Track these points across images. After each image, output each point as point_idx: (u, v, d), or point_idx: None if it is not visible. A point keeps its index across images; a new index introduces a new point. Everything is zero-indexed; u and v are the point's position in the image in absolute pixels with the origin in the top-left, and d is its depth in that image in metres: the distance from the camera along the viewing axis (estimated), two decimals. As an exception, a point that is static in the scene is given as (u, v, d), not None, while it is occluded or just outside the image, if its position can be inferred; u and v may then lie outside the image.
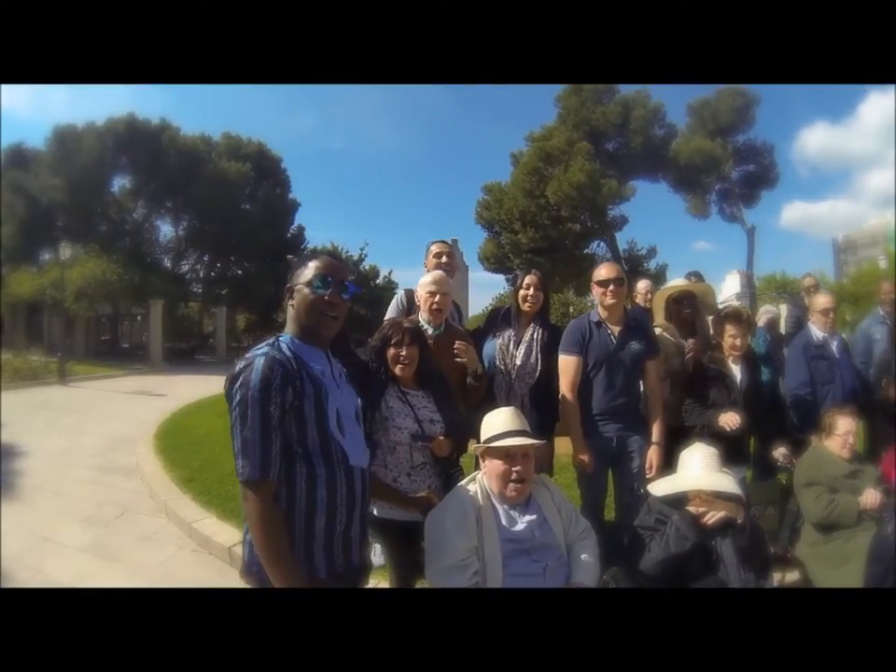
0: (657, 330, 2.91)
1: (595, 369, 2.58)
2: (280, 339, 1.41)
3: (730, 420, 2.51)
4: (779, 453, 2.83)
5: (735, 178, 21.42)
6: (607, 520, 2.72)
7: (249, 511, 1.28)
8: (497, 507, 1.80)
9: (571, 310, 14.76)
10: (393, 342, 2.04)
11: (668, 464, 2.43)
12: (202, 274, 23.99)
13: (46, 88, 47.50)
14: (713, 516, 1.94)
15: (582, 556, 1.82)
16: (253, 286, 21.30)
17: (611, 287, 2.59)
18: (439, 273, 2.64)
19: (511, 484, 1.78)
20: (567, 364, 2.58)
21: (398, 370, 2.05)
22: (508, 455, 1.78)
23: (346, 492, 1.38)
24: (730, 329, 2.77)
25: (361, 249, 23.26)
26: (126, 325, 26.58)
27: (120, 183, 21.82)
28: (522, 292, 2.71)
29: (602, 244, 20.86)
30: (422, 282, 2.52)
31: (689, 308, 3.01)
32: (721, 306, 3.53)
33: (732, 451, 2.49)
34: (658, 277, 18.95)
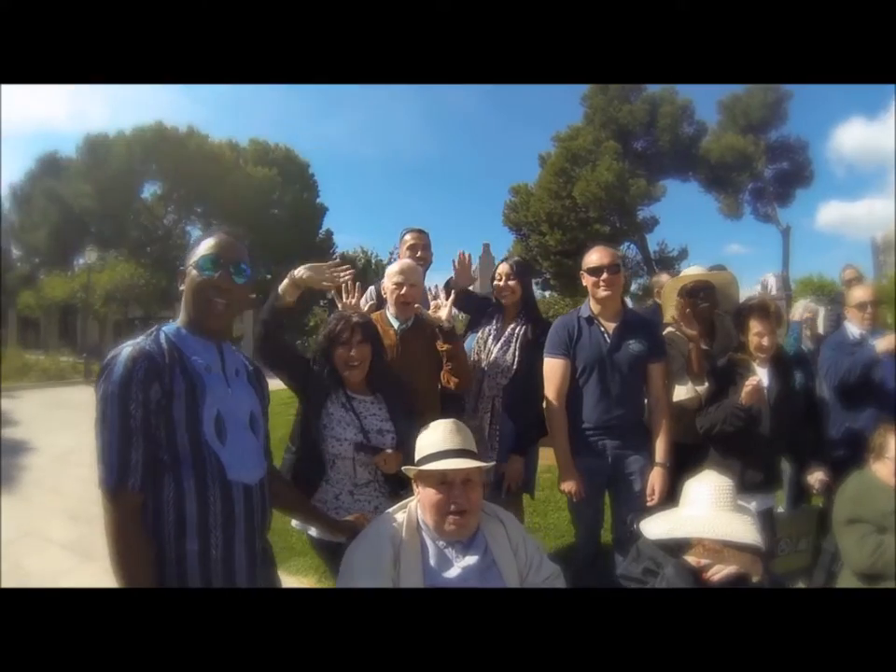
0: (669, 329, 2.47)
1: (586, 374, 2.17)
2: (162, 328, 1.23)
3: (753, 388, 2.05)
4: (815, 477, 2.31)
5: (769, 177, 20.79)
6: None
7: (105, 523, 1.09)
8: (429, 544, 1.41)
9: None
10: (342, 340, 1.76)
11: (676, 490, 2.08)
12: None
13: (83, 98, 49.23)
14: (719, 571, 1.45)
15: None
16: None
17: (605, 275, 2.16)
18: (407, 261, 2.42)
19: (450, 517, 1.38)
20: (551, 368, 2.20)
21: (346, 372, 1.78)
22: (443, 481, 1.38)
23: (222, 510, 1.17)
24: (755, 326, 2.23)
25: (391, 253, 23.34)
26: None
27: (151, 189, 22.38)
28: (495, 283, 2.44)
29: (632, 245, 20.45)
30: (388, 272, 2.30)
31: (706, 301, 2.46)
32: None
33: (758, 472, 2.17)
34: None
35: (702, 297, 2.45)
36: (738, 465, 2.14)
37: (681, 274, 2.64)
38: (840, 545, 2.06)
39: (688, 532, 1.49)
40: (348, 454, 1.74)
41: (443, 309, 2.17)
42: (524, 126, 48.19)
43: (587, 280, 2.23)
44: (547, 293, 20.19)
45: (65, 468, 5.25)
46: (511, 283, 2.39)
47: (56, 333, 21.40)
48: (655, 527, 1.57)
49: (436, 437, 1.45)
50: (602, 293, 2.18)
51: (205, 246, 1.26)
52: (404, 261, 2.40)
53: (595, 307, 2.24)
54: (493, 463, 1.61)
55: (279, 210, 22.75)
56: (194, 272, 1.24)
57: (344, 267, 1.94)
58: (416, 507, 1.46)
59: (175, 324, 1.26)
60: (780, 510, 3.19)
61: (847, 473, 2.18)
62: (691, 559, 1.47)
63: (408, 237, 2.72)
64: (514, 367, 2.33)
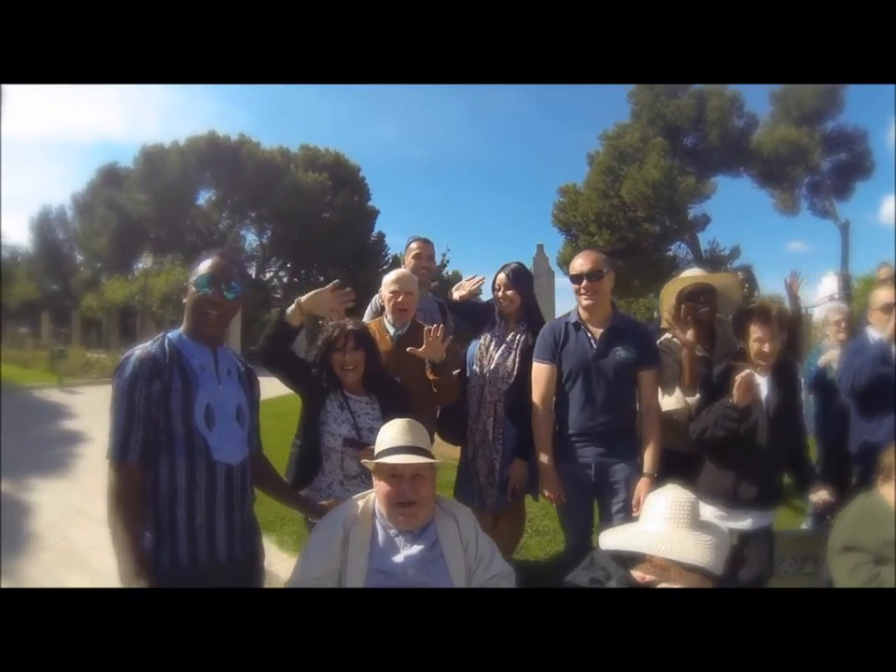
0: (667, 335, 2.39)
1: (571, 380, 2.16)
2: (167, 334, 1.49)
3: (743, 380, 1.94)
4: (819, 496, 2.15)
5: (826, 169, 19.89)
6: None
7: (108, 488, 1.35)
8: (380, 530, 1.54)
9: (655, 314, 14.17)
10: (337, 346, 1.94)
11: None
12: (285, 281, 24.90)
13: (139, 110, 51.46)
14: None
15: None
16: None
17: (585, 282, 2.13)
18: (403, 270, 2.50)
19: (400, 508, 1.50)
20: (537, 373, 2.22)
21: (343, 375, 1.95)
22: (394, 474, 1.50)
23: (206, 485, 1.42)
24: (755, 332, 2.09)
25: (443, 255, 23.52)
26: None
27: (206, 196, 23.06)
28: (494, 292, 2.47)
29: (683, 245, 19.97)
30: (385, 281, 2.39)
31: (706, 305, 2.34)
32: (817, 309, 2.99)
33: (752, 486, 2.05)
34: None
35: (702, 301, 2.36)
36: (732, 477, 2.07)
37: (679, 277, 2.53)
38: (832, 573, 1.87)
39: (637, 546, 1.46)
40: (338, 447, 1.93)
41: (429, 349, 2.15)
42: (573, 125, 47.44)
43: (573, 286, 2.22)
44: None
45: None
46: (509, 293, 2.42)
47: (116, 333, 22.41)
48: (610, 538, 1.56)
49: (390, 434, 1.58)
50: (584, 301, 2.17)
51: (203, 267, 1.50)
52: (400, 271, 2.47)
53: (583, 313, 2.22)
54: (440, 461, 1.65)
55: (331, 214, 22.99)
56: (193, 288, 1.48)
57: (347, 291, 2.04)
58: (374, 497, 1.59)
59: (178, 330, 1.51)
60: (804, 527, 3.04)
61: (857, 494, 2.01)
62: (637, 574, 1.45)
63: (413, 245, 2.81)
64: (514, 372, 2.36)
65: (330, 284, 2.01)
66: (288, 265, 24.82)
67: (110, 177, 23.06)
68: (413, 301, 2.39)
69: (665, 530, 1.46)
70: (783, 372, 2.15)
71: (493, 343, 2.45)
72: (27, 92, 47.60)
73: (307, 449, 1.98)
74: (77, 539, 3.44)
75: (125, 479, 1.35)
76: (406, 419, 1.64)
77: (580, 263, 2.18)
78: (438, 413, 2.53)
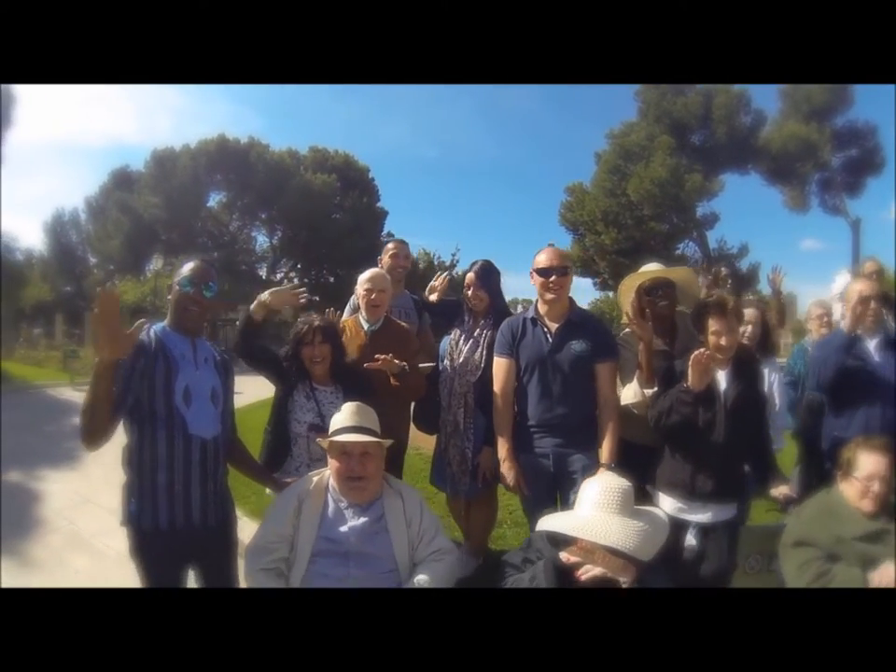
0: (628, 329, 2.39)
1: (528, 373, 2.22)
2: (153, 326, 1.72)
3: (696, 359, 1.94)
4: (780, 492, 2.12)
5: (837, 166, 19.66)
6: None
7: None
8: (331, 502, 1.70)
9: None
10: (306, 341, 2.11)
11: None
12: (295, 281, 25.28)
13: (151, 113, 52.09)
14: (587, 572, 1.45)
15: (417, 577, 1.63)
16: (345, 292, 22.11)
17: (553, 276, 2.18)
18: (375, 270, 2.63)
19: (349, 482, 1.67)
20: (496, 367, 2.30)
21: (311, 367, 2.12)
22: (344, 451, 1.67)
23: (182, 454, 1.63)
24: (712, 325, 2.07)
25: (453, 255, 23.63)
26: (227, 329, 28.71)
27: (216, 198, 23.33)
28: (464, 291, 2.57)
29: (692, 243, 19.89)
30: (360, 279, 2.53)
31: (665, 299, 2.36)
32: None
33: (709, 479, 2.03)
34: (750, 278, 17.80)
35: (661, 295, 2.37)
36: (690, 469, 2.07)
37: (639, 271, 2.53)
38: (782, 568, 1.85)
39: (565, 529, 1.51)
40: (304, 432, 2.09)
41: (387, 363, 2.26)
42: (586, 124, 47.31)
43: (535, 280, 2.25)
44: (608, 293, 19.96)
45: (119, 448, 5.88)
46: (478, 292, 2.52)
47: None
48: (546, 522, 1.61)
49: (341, 416, 1.76)
50: (549, 295, 2.21)
51: (186, 269, 1.73)
52: (373, 270, 2.60)
53: (541, 307, 2.28)
54: (389, 441, 1.77)
55: (340, 215, 23.20)
56: (177, 287, 1.71)
57: (301, 290, 2.25)
58: (329, 474, 1.76)
59: (162, 323, 1.73)
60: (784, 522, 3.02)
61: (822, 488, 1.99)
62: (564, 555, 1.50)
63: (390, 246, 3.00)
64: (482, 365, 2.45)
65: (290, 284, 2.16)
66: (299, 266, 25.02)
67: (122, 180, 23.34)
68: (385, 299, 2.51)
69: (593, 515, 1.51)
70: (743, 366, 2.15)
71: (462, 338, 2.56)
72: (43, 97, 48.46)
73: (277, 435, 2.15)
74: (82, 525, 3.61)
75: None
76: (356, 403, 1.80)
77: (546, 258, 2.24)
78: (413, 404, 2.66)
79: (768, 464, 2.20)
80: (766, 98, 25.75)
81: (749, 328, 2.67)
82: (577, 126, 49.25)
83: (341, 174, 23.50)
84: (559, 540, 1.53)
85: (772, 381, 2.65)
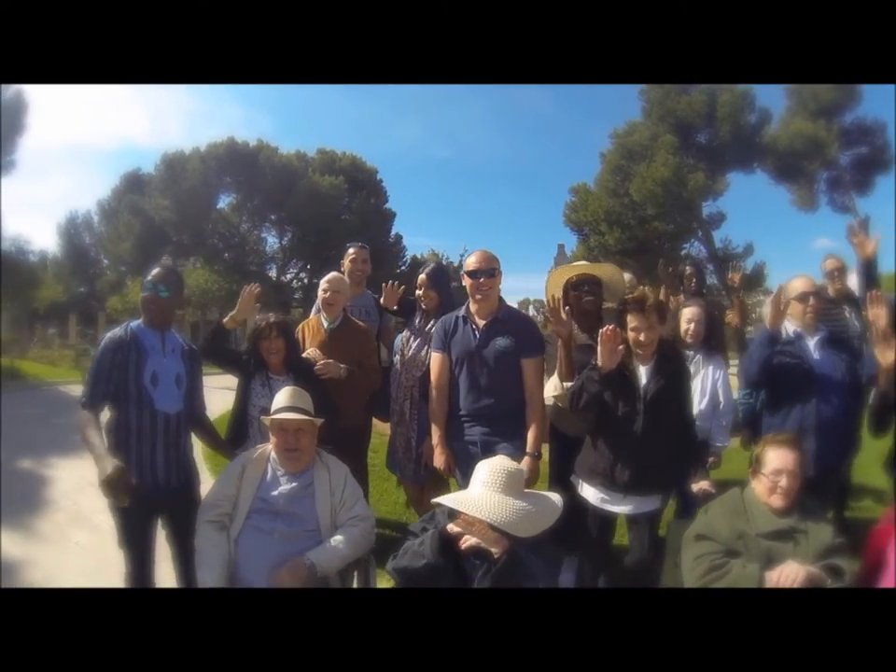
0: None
1: (459, 366, 2.42)
2: (130, 324, 2.15)
3: (606, 336, 2.02)
4: (699, 486, 2.17)
5: (846, 163, 19.43)
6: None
7: (77, 421, 2.01)
8: (270, 470, 2.01)
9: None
10: (263, 336, 2.41)
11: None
12: (305, 282, 25.30)
13: (163, 115, 52.75)
14: (465, 542, 1.61)
15: (332, 539, 1.88)
16: (354, 292, 22.27)
17: (482, 279, 2.36)
18: (333, 273, 2.94)
19: (285, 453, 1.97)
20: (432, 361, 2.51)
21: (268, 358, 2.42)
22: (281, 428, 1.96)
23: (149, 426, 2.05)
24: (632, 321, 2.15)
25: (461, 256, 23.80)
26: (240, 329, 29.02)
27: (227, 200, 23.55)
28: (416, 291, 2.81)
29: (697, 243, 19.77)
30: (321, 282, 2.86)
31: (590, 295, 2.49)
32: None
33: (626, 470, 2.10)
34: (756, 278, 17.68)
35: (586, 290, 2.49)
36: (608, 459, 2.14)
37: (565, 266, 2.60)
38: (682, 562, 1.87)
39: (449, 502, 1.64)
40: (257, 415, 2.33)
41: (326, 370, 2.56)
42: (599, 123, 47.15)
43: (466, 282, 2.41)
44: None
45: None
46: (428, 291, 2.75)
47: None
48: (442, 497, 1.72)
49: (280, 398, 2.05)
50: (478, 295, 2.39)
51: (149, 274, 2.15)
52: (331, 274, 2.94)
53: (472, 306, 2.44)
54: (320, 420, 2.02)
55: (348, 216, 23.34)
56: (141, 290, 2.15)
57: (252, 287, 2.57)
58: (271, 447, 2.05)
59: (138, 321, 2.14)
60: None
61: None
62: (450, 526, 1.65)
63: (351, 251, 3.32)
64: (427, 361, 2.64)
65: (244, 291, 2.49)
66: (309, 266, 25.25)
67: (134, 183, 23.63)
68: (339, 299, 2.81)
69: (478, 492, 1.62)
70: (666, 362, 2.19)
71: (412, 336, 2.79)
72: (56, 100, 49.27)
73: (237, 418, 2.47)
74: (84, 505, 3.96)
75: (90, 415, 2.01)
76: (292, 387, 2.11)
77: (475, 260, 2.41)
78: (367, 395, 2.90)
79: (691, 459, 2.25)
80: (771, 96, 25.47)
81: (693, 325, 2.71)
82: (589, 126, 49.09)
83: (348, 175, 23.62)
84: (455, 514, 1.65)
85: (716, 378, 2.68)
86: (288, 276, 25.43)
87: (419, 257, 25.08)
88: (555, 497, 1.75)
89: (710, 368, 2.68)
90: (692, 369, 2.61)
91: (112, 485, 1.77)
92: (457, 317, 2.48)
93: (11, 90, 13.71)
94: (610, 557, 2.31)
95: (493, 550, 1.56)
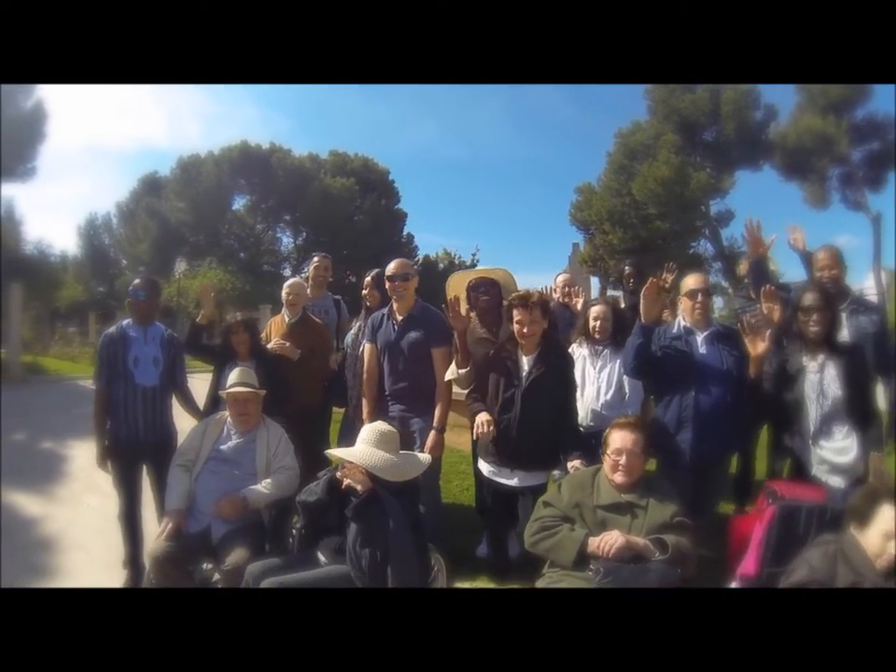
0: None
1: (383, 355, 2.86)
2: (122, 322, 2.87)
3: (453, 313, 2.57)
4: (573, 464, 2.33)
5: (857, 160, 19.15)
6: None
7: (94, 402, 2.82)
8: (226, 430, 2.61)
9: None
10: (232, 331, 3.04)
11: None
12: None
13: (181, 120, 53.75)
14: (344, 481, 2.05)
15: (263, 482, 2.46)
16: (366, 291, 22.57)
17: (396, 282, 2.80)
18: (294, 278, 3.58)
19: (236, 417, 2.57)
20: (364, 350, 2.95)
21: (237, 348, 3.02)
22: (234, 399, 2.57)
23: (130, 396, 2.75)
24: (515, 316, 2.38)
25: (473, 255, 24.24)
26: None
27: (241, 201, 24.23)
28: (363, 292, 3.26)
29: (704, 241, 19.71)
30: (284, 286, 3.41)
31: (486, 296, 2.89)
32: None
33: (509, 447, 2.38)
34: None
35: (482, 291, 2.92)
36: (496, 438, 2.40)
37: (466, 272, 3.02)
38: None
39: (336, 452, 2.21)
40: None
41: (282, 351, 3.15)
42: (612, 122, 46.83)
43: (387, 285, 2.85)
44: (617, 293, 19.85)
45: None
46: (373, 291, 3.20)
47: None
48: (333, 450, 2.29)
49: (233, 376, 2.64)
50: (395, 296, 2.83)
51: (133, 281, 2.88)
52: (293, 279, 3.52)
53: (394, 305, 2.87)
54: (262, 392, 2.61)
55: (360, 217, 23.75)
56: (127, 296, 2.85)
57: (206, 289, 3.45)
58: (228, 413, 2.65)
59: (128, 320, 2.83)
60: None
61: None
62: (338, 473, 2.10)
63: (315, 259, 3.85)
64: None
65: (201, 291, 3.08)
66: (322, 266, 25.66)
67: (151, 185, 24.32)
68: (299, 300, 3.34)
69: (358, 446, 2.14)
70: (548, 354, 2.42)
71: (361, 332, 3.17)
72: (77, 103, 50.46)
73: (211, 396, 3.06)
74: (97, 475, 4.22)
75: (101, 397, 2.78)
76: (241, 368, 2.73)
77: (393, 268, 2.84)
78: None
79: (569, 439, 2.45)
80: (780, 93, 25.11)
81: (598, 322, 2.95)
82: (605, 125, 48.64)
83: (360, 177, 24.08)
84: (343, 465, 2.12)
85: (622, 372, 2.85)
86: (303, 275, 25.92)
87: (432, 256, 25.52)
88: (423, 457, 2.27)
89: (618, 362, 2.88)
90: (599, 362, 2.92)
91: (100, 459, 2.76)
92: (382, 314, 2.92)
93: (32, 100, 14.31)
94: (510, 525, 2.59)
95: (358, 487, 2.02)
